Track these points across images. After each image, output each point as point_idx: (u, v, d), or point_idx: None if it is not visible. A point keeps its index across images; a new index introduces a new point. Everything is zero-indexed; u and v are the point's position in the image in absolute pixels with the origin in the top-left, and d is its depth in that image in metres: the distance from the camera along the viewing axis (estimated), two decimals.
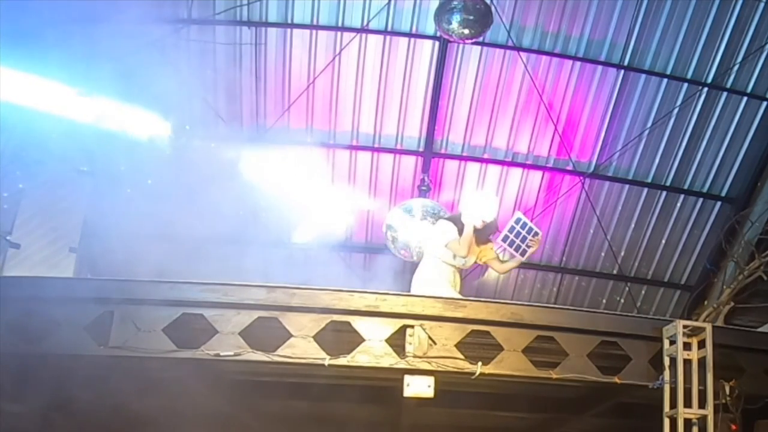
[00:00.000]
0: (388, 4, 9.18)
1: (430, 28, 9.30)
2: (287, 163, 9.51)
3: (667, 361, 4.58)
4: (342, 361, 4.39)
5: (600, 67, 9.72)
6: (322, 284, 4.62)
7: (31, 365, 4.46)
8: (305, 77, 9.59)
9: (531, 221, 5.97)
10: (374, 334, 4.44)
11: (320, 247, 10.39)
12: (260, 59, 9.52)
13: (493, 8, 8.36)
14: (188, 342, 4.37)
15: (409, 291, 5.82)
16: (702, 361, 4.52)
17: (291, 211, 9.65)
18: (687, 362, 4.53)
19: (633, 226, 10.59)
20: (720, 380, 4.59)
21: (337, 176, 10.11)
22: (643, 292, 11.09)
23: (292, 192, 9.51)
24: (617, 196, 10.47)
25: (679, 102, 9.78)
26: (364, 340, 4.43)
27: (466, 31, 8.21)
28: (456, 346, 4.50)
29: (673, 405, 4.49)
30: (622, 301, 10.99)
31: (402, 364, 4.43)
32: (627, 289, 10.93)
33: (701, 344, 4.55)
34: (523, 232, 5.79)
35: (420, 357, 4.43)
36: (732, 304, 8.43)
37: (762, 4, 9.06)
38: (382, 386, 4.86)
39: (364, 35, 9.41)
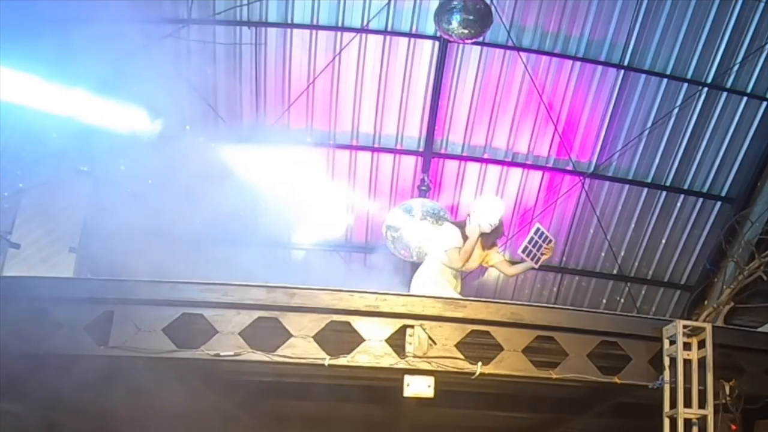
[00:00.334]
0: (388, 4, 9.17)
1: (430, 28, 9.30)
2: (287, 163, 9.50)
3: (667, 361, 4.57)
4: (342, 361, 4.38)
5: (600, 67, 9.72)
6: (321, 284, 4.61)
7: (31, 365, 4.45)
8: (305, 77, 9.58)
9: (547, 230, 5.99)
10: (374, 334, 4.43)
11: (320, 247, 10.42)
12: (260, 59, 9.52)
13: (493, 8, 8.35)
14: (188, 342, 4.36)
15: (409, 291, 5.83)
16: (702, 361, 4.50)
17: (291, 211, 9.65)
18: (687, 362, 4.51)
19: (633, 226, 10.59)
20: (720, 380, 4.58)
21: (337, 176, 10.11)
22: (643, 292, 11.09)
23: (292, 192, 9.51)
24: (617, 196, 10.47)
25: (679, 102, 9.78)
26: (364, 340, 4.42)
27: (466, 31, 8.21)
28: (456, 346, 4.49)
29: (673, 405, 4.48)
30: (622, 301, 10.98)
31: (402, 364, 4.41)
32: (627, 289, 10.93)
33: (701, 344, 4.54)
34: (540, 241, 5.82)
35: (420, 357, 4.42)
36: (732, 304, 8.42)
37: (762, 4, 9.05)
38: (382, 386, 4.86)
39: (364, 35, 9.41)
